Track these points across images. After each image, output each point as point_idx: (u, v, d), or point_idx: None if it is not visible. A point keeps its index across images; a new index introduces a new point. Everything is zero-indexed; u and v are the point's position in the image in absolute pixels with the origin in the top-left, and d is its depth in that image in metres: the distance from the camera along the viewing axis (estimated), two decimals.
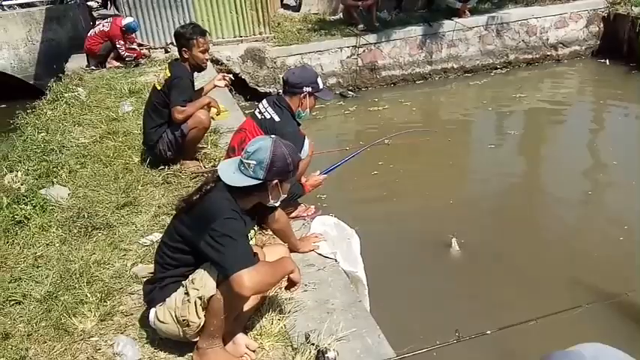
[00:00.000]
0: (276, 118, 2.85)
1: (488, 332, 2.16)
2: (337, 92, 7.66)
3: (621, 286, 3.07)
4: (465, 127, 6.68)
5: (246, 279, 1.76)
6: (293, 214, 3.10)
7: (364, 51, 7.74)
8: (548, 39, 8.06)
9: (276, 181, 2.01)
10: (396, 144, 4.60)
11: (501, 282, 3.41)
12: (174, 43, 3.83)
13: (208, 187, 1.99)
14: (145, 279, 2.33)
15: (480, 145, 5.97)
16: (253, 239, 2.19)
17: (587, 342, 1.43)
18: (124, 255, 2.80)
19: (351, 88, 7.82)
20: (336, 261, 2.69)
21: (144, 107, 3.84)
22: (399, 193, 4.73)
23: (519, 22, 7.92)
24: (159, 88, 3.57)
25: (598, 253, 3.64)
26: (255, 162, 1.97)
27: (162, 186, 3.52)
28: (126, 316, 2.35)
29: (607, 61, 7.90)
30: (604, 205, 4.41)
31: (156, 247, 2.76)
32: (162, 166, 3.68)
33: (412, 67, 7.97)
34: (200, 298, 1.88)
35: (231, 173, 2.01)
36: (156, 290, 2.05)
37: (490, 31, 7.91)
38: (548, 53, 8.15)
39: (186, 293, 1.92)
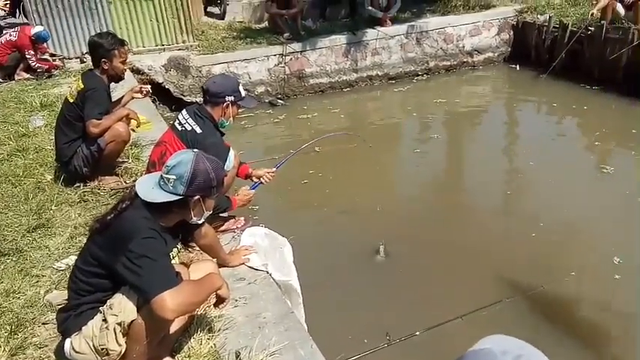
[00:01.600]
0: (198, 130, 2.76)
1: (417, 333, 2.22)
2: (266, 101, 7.62)
3: (538, 279, 3.27)
4: (391, 133, 6.87)
5: (169, 301, 1.67)
6: (222, 228, 3.02)
7: (291, 59, 7.76)
8: (464, 46, 8.51)
9: (197, 197, 1.91)
10: (325, 151, 4.66)
11: (428, 284, 3.51)
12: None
13: (124, 205, 1.88)
14: (60, 306, 2.16)
15: (406, 151, 6.17)
16: (177, 257, 2.10)
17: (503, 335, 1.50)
18: (37, 282, 2.60)
19: (279, 96, 7.81)
20: (267, 273, 2.65)
21: (55, 122, 3.59)
22: (330, 201, 4.75)
23: (437, 31, 8.29)
24: (71, 100, 3.36)
25: (517, 250, 3.84)
26: (175, 177, 1.87)
27: (79, 205, 3.30)
28: (40, 348, 2.17)
29: (517, 66, 8.45)
30: (521, 204, 4.66)
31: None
32: (78, 184, 3.46)
33: (339, 74, 8.10)
34: (120, 324, 1.77)
35: (149, 189, 1.91)
36: (70, 318, 1.90)
37: (411, 39, 8.21)
38: (465, 60, 8.60)
39: (104, 320, 1.80)
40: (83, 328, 1.85)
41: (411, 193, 4.99)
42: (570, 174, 4.98)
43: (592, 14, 7.28)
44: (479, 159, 5.68)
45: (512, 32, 8.65)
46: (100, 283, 1.86)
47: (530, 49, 8.34)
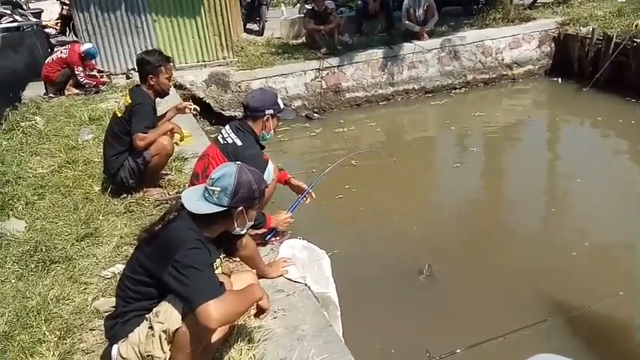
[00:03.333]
0: (239, 142, 2.84)
1: (458, 351, 2.18)
2: (302, 114, 7.71)
3: (584, 300, 3.15)
4: (429, 147, 6.81)
5: (213, 310, 1.71)
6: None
7: (328, 74, 7.84)
8: (503, 59, 8.38)
9: (241, 207, 1.97)
10: (362, 166, 4.65)
11: (470, 302, 3.44)
12: (136, 69, 3.78)
13: (171, 216, 1.95)
14: (106, 313, 2.24)
15: (444, 165, 6.08)
16: (220, 267, 2.15)
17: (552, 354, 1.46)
18: (85, 289, 2.70)
19: (315, 110, 7.89)
20: (306, 285, 2.66)
21: (104, 135, 3.75)
22: (366, 217, 4.71)
23: (475, 44, 8.21)
24: (119, 115, 3.50)
25: (562, 270, 3.71)
26: (219, 188, 1.94)
27: (125, 215, 3.42)
28: (87, 354, 2.25)
29: (559, 79, 8.25)
30: (567, 222, 4.51)
31: (118, 279, 2.71)
32: (125, 195, 3.59)
33: (375, 88, 8.12)
34: (165, 331, 1.82)
35: (195, 201, 1.97)
36: (118, 325, 1.96)
37: (448, 52, 8.16)
38: (504, 73, 8.47)
39: (150, 327, 1.85)
40: (130, 334, 1.91)
41: (450, 209, 4.90)
42: (618, 191, 4.79)
43: (636, 25, 7.04)
44: (520, 175, 5.53)
45: (553, 44, 8.47)
46: (147, 291, 1.92)
47: (572, 62, 8.13)
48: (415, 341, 2.81)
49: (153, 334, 1.84)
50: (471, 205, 4.93)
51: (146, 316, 1.90)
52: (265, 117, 2.90)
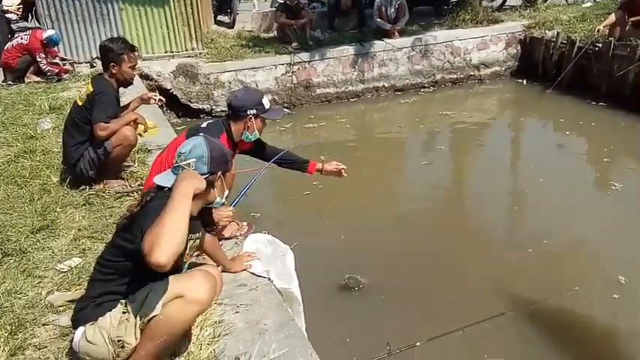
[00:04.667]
0: (204, 125, 2.85)
1: (418, 344, 2.20)
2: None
3: (542, 294, 3.25)
4: (397, 144, 6.87)
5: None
6: (226, 234, 3.02)
7: (299, 68, 7.81)
8: (471, 60, 8.54)
9: (219, 172, 2.03)
10: (330, 161, 4.63)
11: (431, 296, 3.48)
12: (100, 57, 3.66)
13: (148, 197, 1.92)
14: (61, 308, 2.17)
15: (413, 163, 6.13)
16: (197, 242, 2.11)
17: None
18: (39, 283, 2.60)
19: (286, 105, 7.85)
20: (269, 279, 2.64)
21: (64, 124, 3.62)
22: (332, 213, 4.71)
23: (444, 44, 8.33)
24: (80, 103, 3.38)
25: (522, 265, 3.81)
26: (194, 159, 1.96)
27: (84, 207, 3.32)
28: (39, 349, 2.16)
29: (524, 80, 8.48)
30: (528, 219, 4.62)
31: (75, 272, 2.63)
32: (84, 187, 3.48)
33: (345, 85, 8.15)
34: (141, 317, 1.78)
35: (172, 179, 1.92)
36: (89, 308, 1.89)
37: (418, 51, 8.25)
38: (472, 73, 8.63)
39: (125, 312, 1.81)
40: (100, 318, 1.85)
41: (416, 206, 4.95)
42: (578, 190, 4.95)
43: (598, 30, 7.29)
44: (486, 173, 5.64)
45: (519, 47, 8.68)
46: (123, 270, 1.87)
47: (537, 64, 8.37)
48: (377, 335, 2.83)
49: (127, 319, 1.80)
50: (436, 202, 5.00)
51: (121, 300, 1.86)
52: (248, 117, 2.85)
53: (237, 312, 2.34)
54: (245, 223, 3.14)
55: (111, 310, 1.85)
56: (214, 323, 2.23)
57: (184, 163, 1.95)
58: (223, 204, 2.26)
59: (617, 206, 4.56)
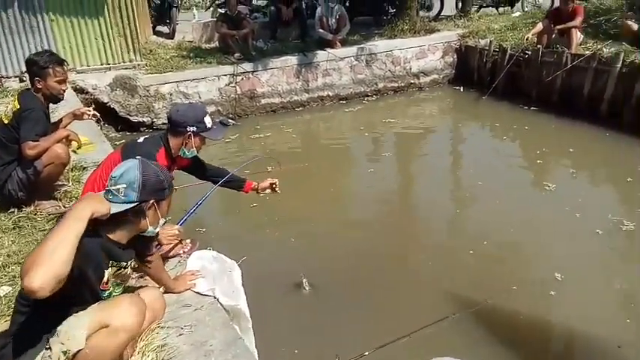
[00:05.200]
0: (140, 140, 2.75)
1: (367, 353, 2.22)
2: (217, 120, 7.52)
3: (483, 295, 3.36)
4: (344, 152, 6.95)
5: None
6: (170, 252, 2.92)
7: (242, 79, 7.75)
8: (410, 68, 8.79)
9: (152, 200, 1.89)
10: (276, 172, 4.61)
11: (376, 304, 3.51)
12: None
13: None
14: None
15: (359, 170, 6.21)
16: (127, 270, 2.01)
17: (448, 354, 1.54)
18: None
19: (230, 116, 7.76)
20: (214, 298, 2.58)
21: None
22: (280, 225, 4.68)
23: (385, 53, 8.54)
24: (6, 121, 3.18)
25: (463, 267, 3.92)
26: (124, 185, 1.83)
27: (13, 231, 3.11)
28: None
29: (461, 88, 8.82)
30: (469, 221, 4.76)
31: (4, 302, 2.46)
32: (13, 209, 3.27)
33: (290, 95, 8.16)
34: (65, 352, 1.66)
35: None
36: (9, 346, 1.75)
37: (360, 61, 8.41)
38: (412, 81, 8.89)
39: (48, 348, 1.68)
40: (21, 357, 1.72)
41: (362, 212, 5.02)
42: (515, 192, 5.17)
43: (527, 38, 7.72)
44: (429, 178, 5.80)
45: (455, 55, 9.03)
46: (44, 310, 1.72)
47: (472, 72, 8.74)
48: (326, 346, 2.83)
49: (50, 356, 1.67)
50: (382, 208, 5.09)
51: (44, 336, 1.73)
52: (187, 134, 2.77)
53: (181, 334, 2.26)
54: (189, 240, 3.05)
55: (33, 347, 1.72)
56: (157, 348, 2.14)
57: (114, 188, 1.84)
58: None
59: (551, 206, 4.80)
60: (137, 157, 1.98)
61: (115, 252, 1.89)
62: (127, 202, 1.83)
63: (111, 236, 1.86)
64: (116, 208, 1.81)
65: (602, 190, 5.39)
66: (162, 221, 2.00)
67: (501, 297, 3.35)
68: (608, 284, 3.62)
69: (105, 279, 1.88)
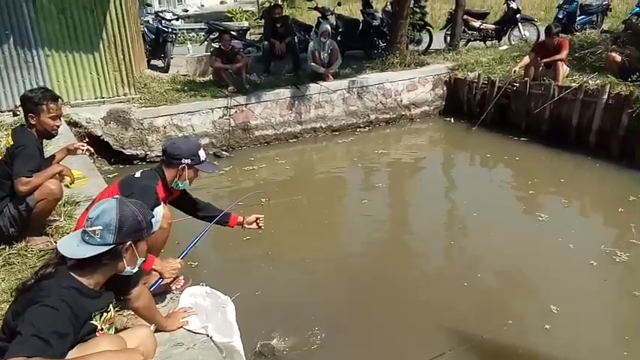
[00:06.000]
0: (137, 175, 2.77)
1: None
2: (210, 152, 7.57)
3: (479, 329, 3.33)
4: (337, 183, 6.98)
5: None
6: (163, 288, 2.89)
7: (236, 112, 7.82)
8: (402, 100, 8.93)
9: (129, 242, 1.86)
10: (270, 204, 4.62)
11: (372, 339, 3.47)
12: None
13: (46, 271, 1.78)
14: None
15: (353, 201, 6.22)
16: (110, 313, 1.97)
17: None
18: None
19: (224, 148, 7.80)
20: (207, 335, 2.54)
21: None
22: (274, 258, 4.66)
23: (377, 86, 8.68)
24: None
25: (458, 301, 3.90)
26: (100, 227, 1.81)
27: (3, 268, 3.07)
28: None
29: (452, 119, 8.95)
30: (464, 254, 4.75)
31: None
32: (4, 246, 3.22)
33: (284, 126, 8.23)
34: None
35: (74, 247, 1.82)
36: None
37: (352, 93, 8.54)
38: (403, 113, 9.02)
39: None
40: None
41: (355, 246, 4.99)
42: (509, 223, 5.20)
43: (514, 71, 7.90)
44: (422, 209, 5.82)
45: (445, 88, 9.20)
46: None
47: (462, 103, 8.89)
48: None
49: None
50: (376, 242, 5.07)
51: None
52: (181, 166, 2.83)
53: None
54: (181, 277, 3.02)
55: None
56: None
57: (90, 229, 1.81)
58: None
59: (544, 237, 4.82)
60: (115, 197, 1.98)
61: (91, 305, 1.83)
62: (103, 245, 1.81)
63: (87, 283, 1.81)
64: (92, 252, 1.79)
65: (595, 221, 5.43)
66: (140, 260, 1.96)
67: (497, 331, 3.32)
68: (604, 316, 3.61)
69: (99, 327, 1.86)
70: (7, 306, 2.64)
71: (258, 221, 3.39)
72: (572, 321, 3.56)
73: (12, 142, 3.17)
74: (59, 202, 3.48)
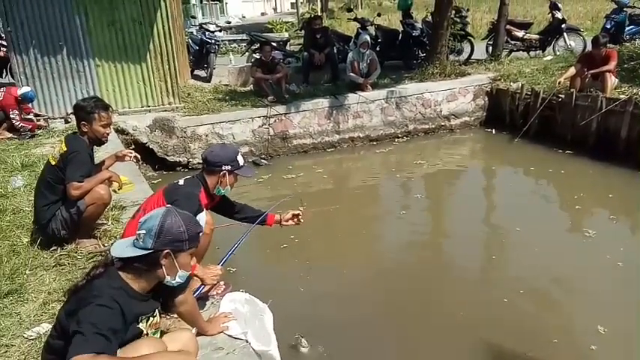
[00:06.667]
0: (181, 182, 2.87)
1: None
2: (250, 160, 7.71)
3: (522, 347, 3.23)
4: (375, 193, 6.95)
5: None
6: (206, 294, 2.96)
7: (275, 121, 7.94)
8: (441, 111, 8.83)
9: (167, 250, 1.89)
10: (307, 213, 4.67)
11: (410, 352, 3.43)
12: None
13: (97, 271, 1.86)
14: None
15: (390, 213, 6.15)
16: (147, 325, 2.02)
17: None
18: (5, 352, 2.47)
19: (263, 156, 7.92)
20: (246, 341, 2.57)
21: (36, 184, 3.56)
22: (311, 268, 4.67)
23: (415, 96, 8.63)
24: (53, 163, 3.35)
25: (501, 317, 3.79)
26: (144, 231, 1.89)
27: (54, 269, 3.21)
28: None
29: (493, 130, 8.77)
30: (507, 269, 4.62)
31: (43, 339, 2.51)
32: (55, 247, 3.38)
33: (322, 136, 8.29)
34: None
35: (124, 248, 1.91)
36: None
37: (390, 103, 8.51)
38: (443, 124, 8.91)
39: None
40: None
41: (393, 259, 4.93)
42: (554, 238, 5.02)
43: (559, 82, 7.68)
44: (462, 222, 5.67)
45: (487, 98, 9.03)
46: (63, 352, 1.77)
47: (504, 114, 8.70)
48: None
49: None
50: (414, 254, 5.01)
51: None
52: (222, 172, 2.92)
53: None
54: (222, 282, 3.08)
55: None
56: None
57: (138, 232, 1.89)
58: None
59: (592, 253, 4.64)
60: (169, 204, 2.05)
61: (138, 307, 1.89)
62: (143, 249, 1.87)
63: (134, 286, 1.88)
64: (132, 253, 1.87)
65: None
66: (181, 273, 1.97)
67: (542, 350, 3.21)
68: None
69: (145, 332, 1.93)
70: (58, 305, 2.79)
71: (295, 218, 3.42)
72: (621, 342, 3.40)
73: (65, 149, 3.32)
74: (107, 207, 3.62)
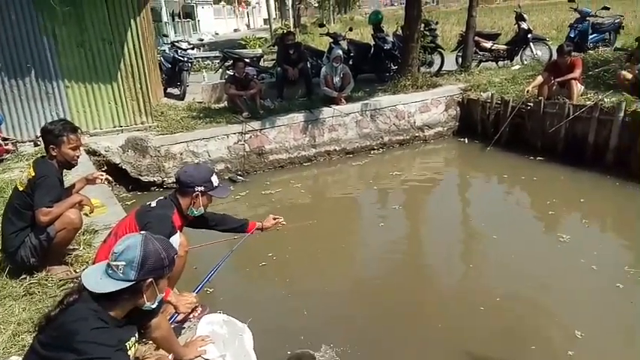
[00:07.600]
0: (153, 204, 2.82)
1: None
2: (226, 177, 7.65)
3: (502, 355, 3.25)
4: (353, 205, 6.96)
5: None
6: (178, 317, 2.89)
7: (250, 137, 7.92)
8: (415, 122, 8.95)
9: (150, 279, 1.87)
10: (285, 229, 4.65)
11: None
12: None
13: (71, 299, 1.80)
14: None
15: (370, 224, 6.18)
16: (132, 349, 1.97)
17: None
18: None
19: (239, 172, 7.87)
20: None
21: (3, 210, 3.45)
22: (291, 284, 4.65)
23: (389, 108, 8.73)
24: (21, 188, 3.25)
25: (479, 325, 3.82)
26: (124, 263, 1.83)
27: (24, 298, 3.10)
28: None
29: (465, 139, 8.92)
30: (484, 277, 4.66)
31: None
32: (25, 275, 3.27)
33: (298, 150, 8.29)
34: None
35: (97, 279, 1.84)
36: None
37: (365, 116, 8.59)
38: (417, 134, 9.02)
39: None
40: None
41: (372, 270, 4.94)
42: (529, 245, 5.09)
43: (527, 91, 7.88)
44: (440, 232, 5.73)
45: (458, 108, 9.20)
46: None
47: (476, 124, 8.87)
48: None
49: None
50: (393, 267, 5.00)
51: None
52: (195, 194, 2.88)
53: None
54: (199, 305, 3.02)
55: None
56: None
57: (114, 263, 1.85)
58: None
59: (567, 258, 4.71)
60: (141, 227, 2.01)
61: (116, 333, 1.84)
62: (125, 281, 1.83)
63: (110, 312, 1.84)
64: (113, 287, 1.81)
65: (617, 241, 5.31)
66: (160, 297, 1.98)
67: (519, 357, 3.24)
68: (631, 342, 3.50)
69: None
70: (28, 336, 2.69)
71: (276, 222, 3.51)
72: (598, 347, 3.45)
73: (33, 174, 3.23)
74: (79, 231, 3.53)
